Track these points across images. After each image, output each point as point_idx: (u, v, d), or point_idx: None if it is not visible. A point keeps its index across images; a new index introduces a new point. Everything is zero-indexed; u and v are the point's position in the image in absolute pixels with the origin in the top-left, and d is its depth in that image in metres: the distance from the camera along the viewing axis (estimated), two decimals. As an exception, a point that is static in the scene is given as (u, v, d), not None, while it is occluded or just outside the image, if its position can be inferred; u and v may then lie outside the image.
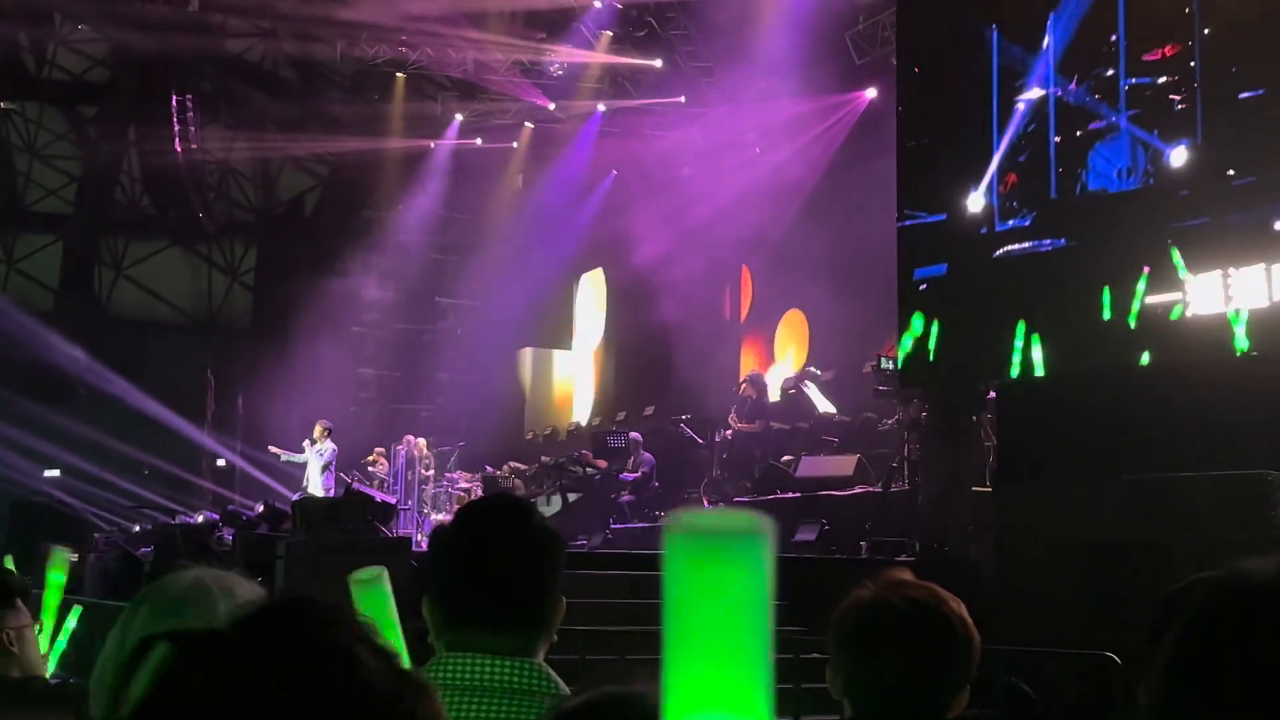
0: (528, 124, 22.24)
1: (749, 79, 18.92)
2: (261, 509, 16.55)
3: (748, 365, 19.94)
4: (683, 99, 20.31)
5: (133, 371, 22.14)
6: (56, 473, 21.15)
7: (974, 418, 11.15)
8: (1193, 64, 9.44)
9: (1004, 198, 10.82)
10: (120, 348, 23.16)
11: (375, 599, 1.64)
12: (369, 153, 22.36)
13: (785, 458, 14.15)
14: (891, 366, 12.79)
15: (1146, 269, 9.24)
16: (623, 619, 8.00)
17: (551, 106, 21.24)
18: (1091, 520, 8.13)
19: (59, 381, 21.38)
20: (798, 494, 12.70)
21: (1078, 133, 10.24)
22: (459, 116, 21.95)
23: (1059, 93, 10.42)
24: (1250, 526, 7.07)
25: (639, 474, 16.04)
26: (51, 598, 2.85)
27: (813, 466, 13.25)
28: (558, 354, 24.20)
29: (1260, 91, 9.00)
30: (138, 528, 18.79)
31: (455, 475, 18.38)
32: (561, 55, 20.10)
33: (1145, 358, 9.31)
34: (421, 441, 18.65)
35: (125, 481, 20.72)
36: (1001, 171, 10.86)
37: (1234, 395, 8.23)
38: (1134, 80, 9.80)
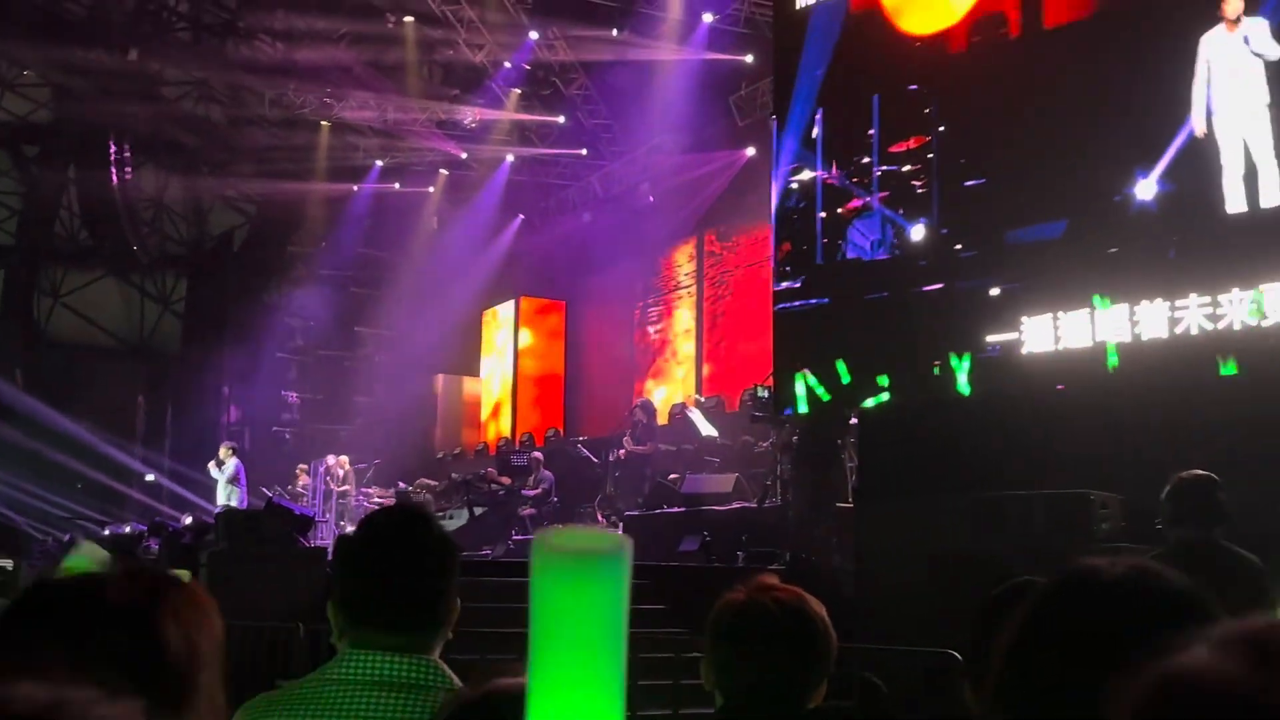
0: (443, 171, 22.14)
1: (644, 135, 19.08)
2: (188, 521, 16.15)
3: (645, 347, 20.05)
4: (584, 151, 20.40)
5: (69, 392, 21.49)
6: (-6, 486, 20.39)
7: (838, 441, 11.29)
8: (931, 156, 10.20)
9: (780, 262, 11.51)
10: (57, 369, 22.49)
11: None
12: (295, 193, 22.04)
13: (672, 476, 14.19)
14: (766, 395, 12.93)
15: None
16: (523, 621, 7.91)
17: (464, 155, 21.17)
18: (939, 533, 8.27)
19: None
20: (682, 509, 12.73)
21: (839, 210, 10.95)
22: (379, 162, 21.76)
23: (825, 176, 11.02)
24: (1077, 539, 7.25)
25: (539, 490, 15.96)
26: None
27: (696, 484, 13.30)
28: (467, 380, 24.04)
29: (983, 180, 9.76)
30: (69, 537, 18.18)
31: (370, 490, 18.11)
32: (474, 112, 20.05)
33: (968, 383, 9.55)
34: (343, 459, 18.38)
35: (59, 494, 20.05)
36: (778, 239, 11.52)
37: (1062, 423, 8.47)
38: (884, 168, 10.65)
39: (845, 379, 10.58)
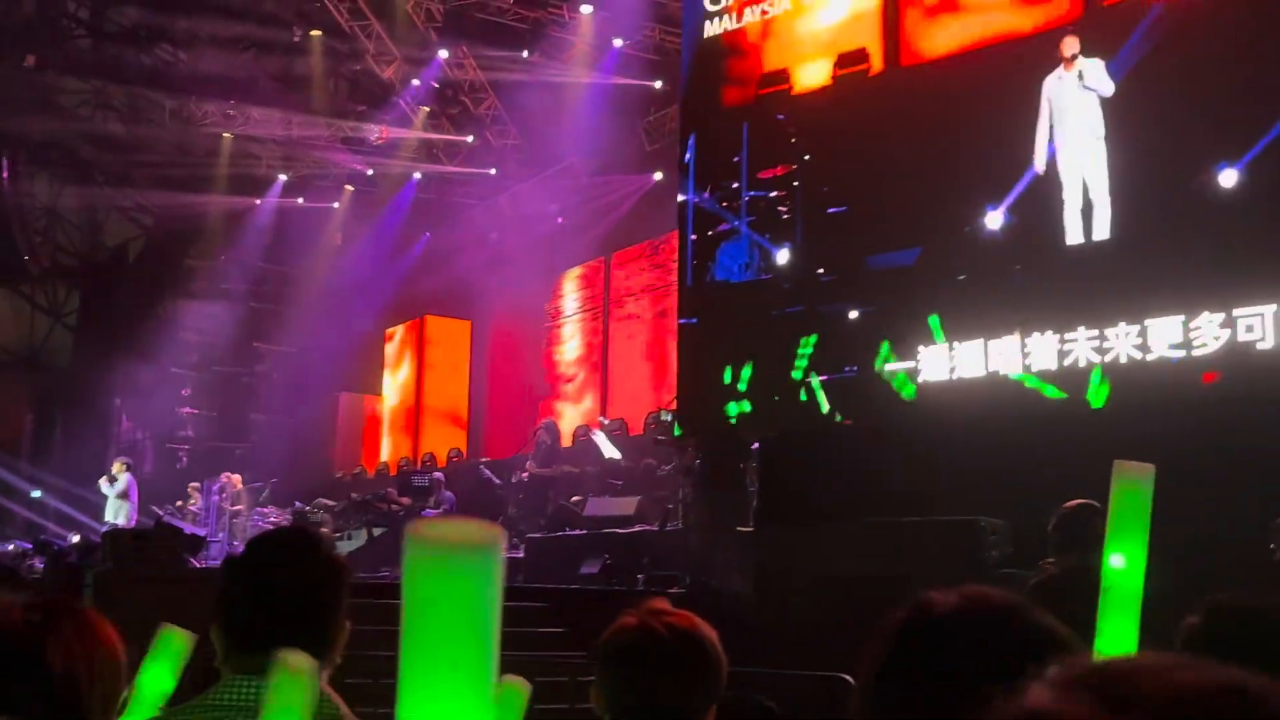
0: (348, 186, 21.88)
1: (553, 157, 19.10)
2: (75, 539, 15.67)
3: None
4: (493, 171, 20.34)
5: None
6: None
7: (741, 465, 11.39)
8: (795, 183, 10.57)
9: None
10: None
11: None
12: (194, 206, 21.58)
13: (575, 498, 14.15)
14: (670, 418, 13.00)
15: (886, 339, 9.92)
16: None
17: (370, 172, 20.96)
18: (837, 557, 8.40)
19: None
20: (584, 531, 12.71)
21: (709, 233, 11.23)
22: (282, 176, 21.43)
23: (696, 200, 11.28)
24: (967, 563, 7.42)
25: (440, 511, 15.80)
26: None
27: (599, 506, 13.28)
28: (369, 399, 23.74)
29: (844, 208, 10.17)
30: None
31: (267, 510, 17.74)
32: (380, 129, 19.86)
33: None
34: (236, 478, 17.98)
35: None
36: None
37: (956, 451, 8.67)
38: (752, 193, 11.00)
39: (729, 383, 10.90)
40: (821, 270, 10.39)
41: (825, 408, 9.98)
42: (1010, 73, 9.35)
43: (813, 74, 10.75)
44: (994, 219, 9.32)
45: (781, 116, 10.81)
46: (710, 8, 11.49)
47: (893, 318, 9.75)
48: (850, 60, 10.47)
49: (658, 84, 17.35)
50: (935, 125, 9.71)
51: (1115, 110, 8.80)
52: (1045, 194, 9.07)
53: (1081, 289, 8.75)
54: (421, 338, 22.71)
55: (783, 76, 10.91)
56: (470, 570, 0.70)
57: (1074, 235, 8.94)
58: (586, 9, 17.07)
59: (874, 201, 10.01)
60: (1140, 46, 8.69)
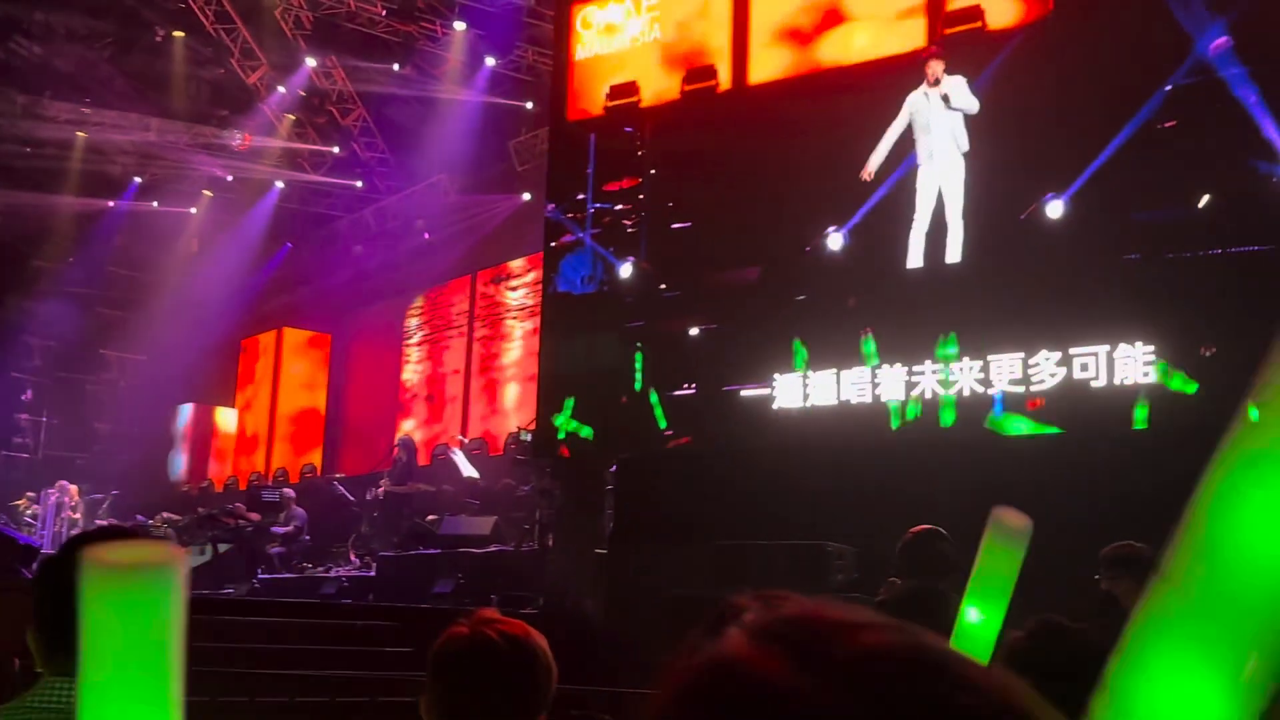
0: (206, 192, 21.33)
1: (422, 172, 18.97)
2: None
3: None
4: (359, 183, 20.08)
5: None
6: None
7: (604, 487, 11.44)
8: (641, 196, 10.68)
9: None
10: None
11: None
12: (42, 205, 20.75)
13: (431, 517, 14.01)
14: (529, 438, 12.99)
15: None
16: (260, 663, 7.69)
17: (230, 178, 20.47)
18: (687, 579, 8.50)
19: None
20: (439, 550, 12.60)
21: (552, 244, 11.33)
22: (137, 179, 20.77)
23: (546, 211, 11.61)
24: (814, 587, 7.59)
25: (290, 528, 15.47)
26: None
27: (454, 526, 13.18)
28: (220, 410, 23.10)
29: (688, 224, 10.35)
30: None
31: (106, 523, 17.11)
32: (243, 134, 19.43)
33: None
34: (73, 488, 17.33)
35: None
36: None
37: (805, 477, 8.88)
38: (598, 205, 11.05)
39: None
40: (664, 285, 10.45)
41: (663, 424, 10.07)
42: (857, 96, 9.52)
43: (661, 88, 10.82)
44: (835, 240, 9.50)
45: (629, 129, 10.87)
46: (581, 31, 11.58)
47: (734, 337, 9.90)
48: (698, 76, 10.58)
49: (529, 104, 17.39)
50: (781, 144, 9.83)
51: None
52: (889, 217, 9.27)
53: (924, 317, 8.99)
54: (279, 350, 22.23)
55: (632, 89, 10.94)
56: (145, 592, 0.68)
57: (915, 259, 9.15)
58: (460, 26, 17.03)
59: (718, 218, 10.12)
60: (985, 84, 9.00)
